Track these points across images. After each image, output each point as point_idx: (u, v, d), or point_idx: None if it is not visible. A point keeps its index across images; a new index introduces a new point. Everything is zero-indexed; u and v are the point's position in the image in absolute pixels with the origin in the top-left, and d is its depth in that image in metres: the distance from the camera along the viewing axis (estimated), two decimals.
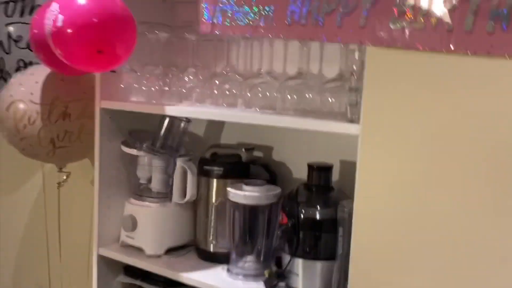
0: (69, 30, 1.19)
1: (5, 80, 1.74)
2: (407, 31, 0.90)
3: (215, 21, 1.19)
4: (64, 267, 1.99)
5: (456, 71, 0.87)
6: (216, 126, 1.61)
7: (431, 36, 0.87)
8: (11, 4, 1.69)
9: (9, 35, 1.71)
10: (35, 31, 1.40)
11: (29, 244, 2.33)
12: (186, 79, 1.38)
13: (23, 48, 1.71)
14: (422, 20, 0.88)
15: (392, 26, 0.91)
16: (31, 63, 1.73)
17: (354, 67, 1.05)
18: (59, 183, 1.83)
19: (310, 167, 1.27)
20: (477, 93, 0.86)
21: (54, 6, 1.21)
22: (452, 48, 0.85)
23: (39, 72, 1.61)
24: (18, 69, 1.73)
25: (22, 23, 1.70)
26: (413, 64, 0.91)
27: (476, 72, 0.85)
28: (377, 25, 0.93)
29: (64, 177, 1.82)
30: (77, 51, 1.21)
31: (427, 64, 0.89)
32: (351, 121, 1.07)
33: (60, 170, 1.79)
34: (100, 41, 1.21)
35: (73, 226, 1.99)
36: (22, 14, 1.70)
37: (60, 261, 1.96)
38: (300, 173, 1.39)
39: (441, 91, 0.90)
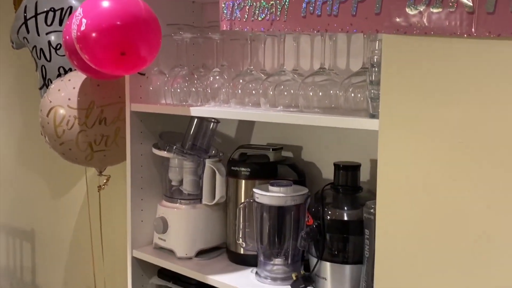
0: (93, 34, 1.21)
1: (48, 87, 1.81)
2: (425, 16, 0.83)
3: (233, 17, 1.17)
4: (107, 269, 2.04)
5: (479, 56, 0.80)
6: (245, 127, 1.59)
7: (450, 19, 0.81)
8: (51, 13, 1.76)
9: (49, 44, 1.78)
10: (67, 37, 1.44)
11: (77, 246, 2.42)
12: (211, 78, 1.37)
13: (62, 56, 1.77)
14: (441, 3, 0.81)
15: (408, 11, 0.85)
16: (70, 70, 1.78)
17: (375, 59, 0.99)
18: (99, 187, 1.87)
19: (337, 166, 1.22)
20: (502, 80, 0.78)
21: (79, 11, 1.23)
22: (474, 31, 0.78)
23: (76, 78, 1.66)
24: (59, 76, 1.79)
25: (61, 31, 1.75)
26: (432, 51, 0.84)
27: (501, 57, 0.77)
28: (393, 10, 0.87)
29: (104, 181, 1.86)
30: (101, 54, 1.23)
31: (447, 51, 0.82)
32: (373, 116, 1.02)
33: (100, 173, 1.84)
34: (123, 43, 1.22)
35: (114, 228, 2.03)
36: (61, 23, 1.76)
37: (103, 262, 2.01)
38: (330, 173, 1.34)
39: (463, 79, 0.82)
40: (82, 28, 1.21)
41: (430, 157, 0.87)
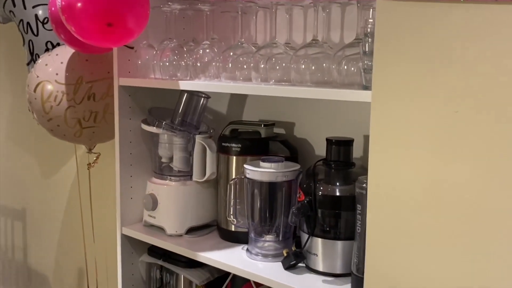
0: (78, 4, 1.17)
1: (35, 62, 1.76)
2: None
3: None
4: (98, 247, 2.02)
5: (478, 23, 0.76)
6: (236, 103, 1.56)
7: None
8: None
9: (36, 18, 1.73)
10: (52, 8, 1.40)
11: (68, 225, 2.40)
12: (201, 51, 1.33)
13: (50, 30, 1.72)
14: None
15: None
16: (58, 45, 1.74)
17: (369, 28, 0.96)
18: (89, 164, 1.84)
19: (329, 141, 1.19)
20: (502, 47, 0.75)
21: None
22: None
23: (64, 53, 1.62)
24: (46, 51, 1.75)
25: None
26: (428, 17, 0.81)
27: (501, 23, 0.74)
28: None
29: (94, 159, 1.83)
30: (87, 24, 1.20)
31: (445, 17, 0.79)
32: (366, 88, 0.99)
33: (90, 151, 1.81)
34: (109, 13, 1.19)
35: (105, 207, 2.01)
36: None
37: (94, 241, 1.99)
38: (323, 150, 1.32)
39: (462, 47, 0.79)
40: None
41: (424, 129, 0.85)
